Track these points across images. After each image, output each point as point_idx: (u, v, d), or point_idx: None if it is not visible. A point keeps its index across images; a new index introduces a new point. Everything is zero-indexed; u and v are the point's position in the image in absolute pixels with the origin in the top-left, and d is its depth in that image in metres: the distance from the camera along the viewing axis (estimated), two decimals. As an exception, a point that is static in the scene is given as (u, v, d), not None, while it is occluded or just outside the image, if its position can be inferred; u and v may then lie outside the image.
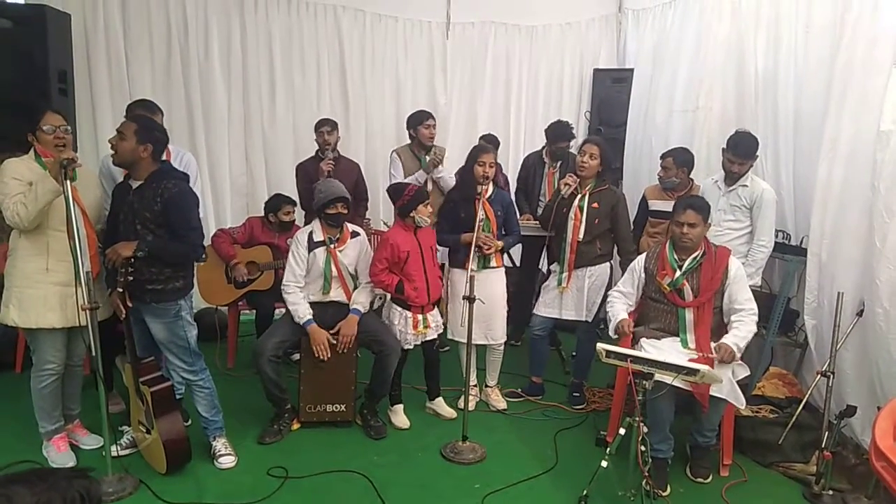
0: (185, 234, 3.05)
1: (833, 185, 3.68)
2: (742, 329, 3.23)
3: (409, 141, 4.82)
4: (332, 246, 3.66)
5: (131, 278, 2.96)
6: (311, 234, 3.68)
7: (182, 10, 5.24)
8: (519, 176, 5.19)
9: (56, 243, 2.98)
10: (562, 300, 4.06)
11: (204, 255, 3.53)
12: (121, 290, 2.96)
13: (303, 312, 3.61)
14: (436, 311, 3.87)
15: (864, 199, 3.47)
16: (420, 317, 3.75)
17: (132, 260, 2.94)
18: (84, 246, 3.00)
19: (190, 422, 3.49)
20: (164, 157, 3.17)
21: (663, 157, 4.42)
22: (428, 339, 3.83)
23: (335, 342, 3.59)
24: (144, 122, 3.13)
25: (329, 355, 3.57)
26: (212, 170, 5.55)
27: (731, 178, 3.96)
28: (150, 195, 2.99)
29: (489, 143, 5.08)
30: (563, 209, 4.01)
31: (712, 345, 3.22)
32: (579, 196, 3.97)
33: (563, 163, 4.91)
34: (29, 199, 2.84)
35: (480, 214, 3.77)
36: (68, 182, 2.78)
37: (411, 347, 3.78)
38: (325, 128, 4.66)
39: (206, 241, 3.83)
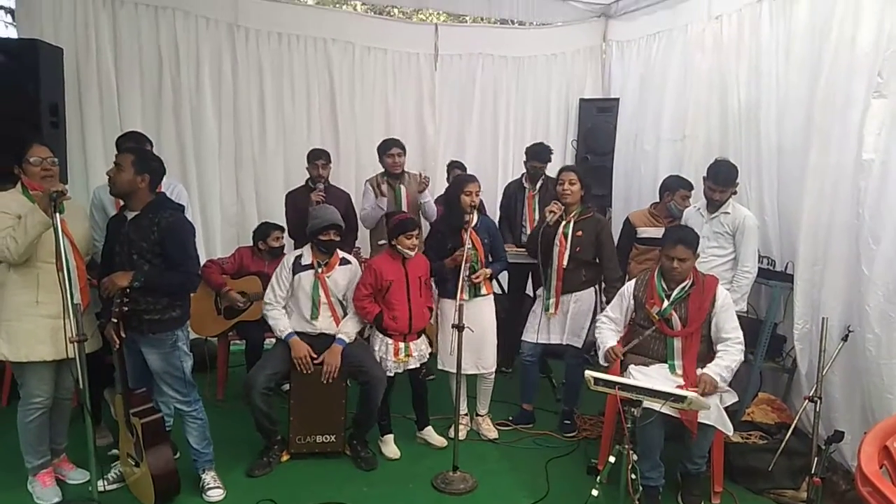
0: (183, 264, 3.07)
1: (819, 213, 3.73)
2: (726, 358, 3.26)
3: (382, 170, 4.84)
4: (319, 271, 3.67)
5: (127, 308, 2.95)
6: (298, 257, 3.71)
7: (173, 42, 5.29)
8: (501, 204, 5.22)
9: (46, 276, 2.97)
10: (549, 325, 4.09)
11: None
12: (115, 320, 2.95)
13: (283, 326, 3.65)
14: (420, 340, 3.85)
15: (849, 227, 3.52)
16: (402, 345, 3.73)
17: (128, 290, 2.94)
18: (74, 277, 3.00)
19: (179, 455, 3.46)
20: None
21: (680, 188, 4.53)
22: (410, 367, 3.81)
23: (319, 362, 3.60)
24: (141, 153, 3.17)
25: (311, 369, 3.58)
26: (202, 200, 5.56)
27: (713, 205, 4.02)
28: (146, 225, 3.02)
29: (457, 168, 5.14)
30: (548, 235, 4.04)
31: (697, 372, 3.24)
32: (564, 223, 4.01)
33: (542, 186, 4.97)
34: (18, 232, 2.84)
35: (468, 244, 3.79)
36: (57, 214, 2.78)
37: (392, 375, 3.74)
38: (321, 161, 4.69)
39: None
